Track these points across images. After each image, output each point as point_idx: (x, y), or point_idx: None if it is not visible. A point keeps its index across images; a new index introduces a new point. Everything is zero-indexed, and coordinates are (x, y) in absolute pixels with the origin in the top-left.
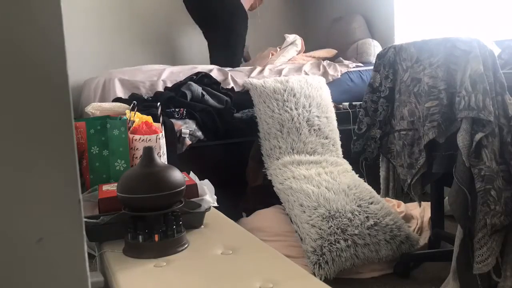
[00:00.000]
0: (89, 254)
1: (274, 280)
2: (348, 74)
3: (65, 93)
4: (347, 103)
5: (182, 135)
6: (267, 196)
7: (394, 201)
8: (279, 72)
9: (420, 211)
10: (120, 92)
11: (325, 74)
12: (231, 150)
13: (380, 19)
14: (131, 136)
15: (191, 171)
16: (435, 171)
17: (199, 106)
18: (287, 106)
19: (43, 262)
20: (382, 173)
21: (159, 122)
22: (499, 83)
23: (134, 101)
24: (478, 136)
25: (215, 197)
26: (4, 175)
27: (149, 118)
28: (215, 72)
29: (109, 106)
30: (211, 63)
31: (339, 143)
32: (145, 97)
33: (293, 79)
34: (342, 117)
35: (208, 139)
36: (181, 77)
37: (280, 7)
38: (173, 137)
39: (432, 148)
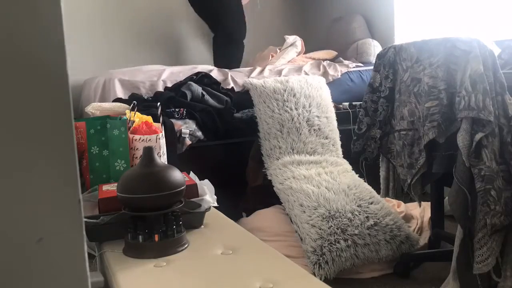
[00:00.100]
0: (89, 254)
1: (274, 280)
2: (348, 74)
3: (65, 93)
4: (347, 103)
5: (182, 135)
6: (267, 196)
7: (394, 201)
8: (279, 72)
9: (420, 211)
10: (120, 92)
11: (325, 74)
12: (231, 150)
13: (380, 19)
14: (131, 136)
15: (191, 171)
16: (435, 171)
17: (199, 106)
18: (287, 106)
19: (43, 262)
20: (382, 173)
21: (159, 122)
22: (499, 83)
23: (134, 101)
24: (478, 136)
25: (215, 197)
26: (4, 175)
27: (149, 118)
28: (215, 72)
29: (109, 106)
30: (214, 59)
31: (339, 143)
32: (145, 97)
33: (293, 79)
34: (342, 117)
35: (208, 139)
36: (181, 77)
37: (280, 7)
38: (173, 137)
39: (432, 148)
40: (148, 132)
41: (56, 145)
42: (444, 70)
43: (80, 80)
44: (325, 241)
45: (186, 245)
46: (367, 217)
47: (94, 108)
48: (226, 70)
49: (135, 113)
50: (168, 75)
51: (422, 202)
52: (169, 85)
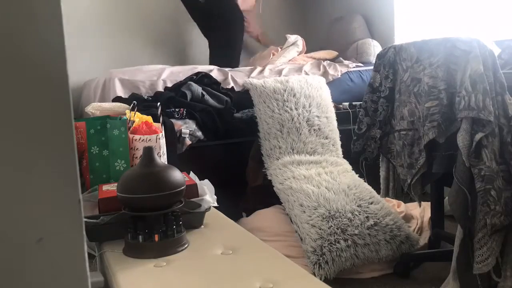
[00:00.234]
0: (89, 254)
1: (274, 280)
2: (348, 74)
3: (65, 93)
4: (347, 103)
5: (182, 135)
6: (267, 196)
7: (394, 201)
8: (279, 72)
9: (420, 211)
10: (121, 92)
11: (325, 74)
12: (231, 150)
13: (380, 19)
14: (131, 136)
15: (191, 171)
16: (435, 171)
17: (199, 106)
18: (287, 106)
19: (43, 262)
20: (382, 173)
21: (159, 122)
22: (499, 83)
23: (134, 101)
24: (478, 136)
25: (215, 197)
26: (4, 175)
27: (149, 118)
28: (215, 72)
29: (109, 106)
30: (210, 63)
31: (339, 143)
32: (145, 97)
33: (293, 79)
34: (342, 117)
35: (208, 139)
36: (181, 77)
37: (280, 6)
38: (173, 137)
39: (432, 148)
40: (148, 132)
41: (56, 145)
42: (444, 70)
43: (80, 81)
44: (325, 241)
45: (186, 245)
46: (367, 217)
47: (94, 108)
48: (226, 69)
49: (135, 113)
50: (168, 74)
51: (422, 202)
52: (169, 84)
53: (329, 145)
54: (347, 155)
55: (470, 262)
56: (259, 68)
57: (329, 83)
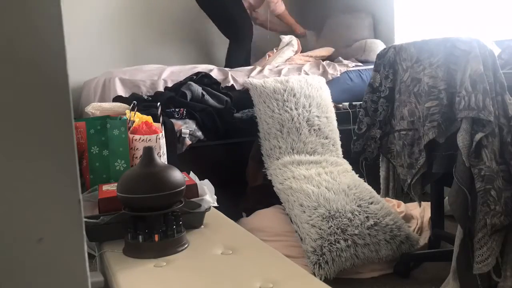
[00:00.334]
0: (89, 254)
1: (274, 280)
2: (347, 73)
3: (65, 93)
4: (347, 103)
5: (182, 135)
6: (267, 196)
7: (394, 201)
8: (279, 72)
9: (420, 211)
10: (121, 91)
11: (324, 73)
12: (231, 150)
13: (380, 19)
14: (131, 136)
15: (191, 171)
16: (435, 171)
17: (199, 106)
18: (287, 106)
19: (43, 262)
20: (382, 173)
21: (159, 122)
22: (499, 83)
23: (134, 101)
24: (478, 136)
25: (215, 197)
26: (4, 175)
27: (149, 118)
28: (215, 71)
29: (109, 106)
30: (226, 58)
31: (339, 143)
32: (145, 97)
33: (293, 79)
34: (342, 117)
35: (208, 139)
36: (181, 77)
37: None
38: (173, 137)
39: (432, 148)
40: (148, 132)
41: (56, 145)
42: (444, 70)
43: (80, 80)
44: (325, 241)
45: (186, 245)
46: (367, 217)
47: (94, 108)
48: (226, 69)
49: (135, 113)
50: (168, 74)
51: (422, 202)
52: (170, 84)
53: (329, 145)
54: (347, 155)
55: (470, 262)
56: (258, 68)
57: (328, 83)
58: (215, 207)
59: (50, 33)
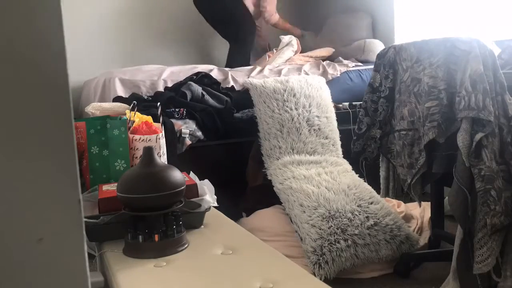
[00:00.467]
0: (89, 254)
1: (274, 280)
2: (347, 73)
3: (65, 93)
4: (347, 103)
5: (182, 135)
6: (267, 196)
7: (394, 201)
8: (279, 72)
9: (420, 211)
10: (121, 92)
11: (324, 73)
12: (231, 150)
13: (381, 19)
14: (131, 136)
15: (191, 171)
16: (435, 171)
17: (199, 106)
18: (287, 106)
19: (43, 262)
20: (382, 173)
21: (159, 122)
22: (499, 83)
23: (134, 101)
24: (478, 136)
25: (215, 197)
26: (4, 175)
27: (149, 118)
28: (215, 71)
29: (109, 106)
30: (227, 60)
31: (339, 143)
32: (145, 97)
33: (293, 79)
34: (342, 117)
35: (208, 139)
36: (181, 77)
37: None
38: (173, 137)
39: (432, 148)
40: (148, 132)
41: (56, 145)
42: (444, 70)
43: (80, 80)
44: (325, 241)
45: (186, 245)
46: (367, 217)
47: (94, 108)
48: (226, 69)
49: (135, 113)
50: (168, 74)
51: (422, 202)
52: (170, 84)
53: (329, 145)
54: (347, 155)
55: (470, 262)
56: (258, 68)
57: (328, 83)
58: (215, 207)
59: (50, 33)
